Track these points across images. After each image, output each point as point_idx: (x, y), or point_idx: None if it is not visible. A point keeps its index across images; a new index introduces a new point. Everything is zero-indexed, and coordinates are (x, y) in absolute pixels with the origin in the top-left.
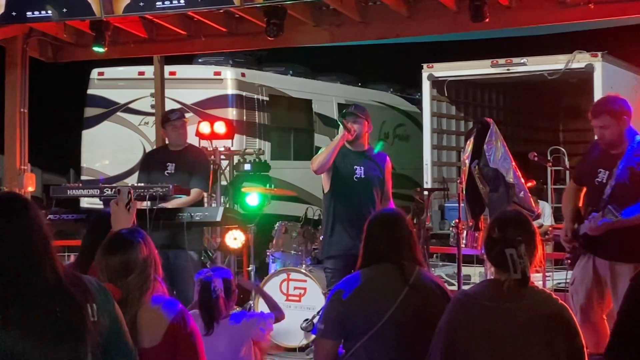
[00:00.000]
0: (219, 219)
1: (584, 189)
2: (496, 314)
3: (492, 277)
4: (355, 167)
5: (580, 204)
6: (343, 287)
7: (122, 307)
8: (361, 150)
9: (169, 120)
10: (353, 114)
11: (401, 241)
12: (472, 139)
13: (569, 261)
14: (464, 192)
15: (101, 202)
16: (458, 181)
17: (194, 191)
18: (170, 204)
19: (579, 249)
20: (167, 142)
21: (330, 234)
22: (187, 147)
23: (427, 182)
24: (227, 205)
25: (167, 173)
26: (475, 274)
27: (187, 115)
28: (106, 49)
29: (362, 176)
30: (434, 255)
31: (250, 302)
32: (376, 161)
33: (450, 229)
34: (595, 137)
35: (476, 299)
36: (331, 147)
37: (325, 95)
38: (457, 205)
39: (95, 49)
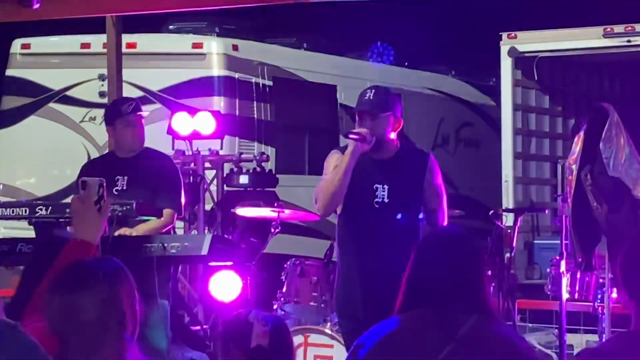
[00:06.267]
0: (204, 252)
1: None
2: None
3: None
4: (375, 185)
5: None
6: (364, 341)
7: None
8: (388, 157)
9: (120, 113)
10: (365, 111)
11: (461, 277)
12: (581, 133)
13: None
14: (571, 212)
15: (32, 228)
16: (560, 199)
17: (166, 212)
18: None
19: None
20: (112, 147)
21: (340, 283)
22: (142, 153)
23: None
24: (217, 233)
25: (117, 191)
26: (582, 343)
27: (153, 107)
28: (37, 6)
29: (387, 200)
30: (520, 314)
31: None
32: (414, 167)
33: (549, 270)
34: None
35: None
36: (340, 170)
37: (355, 79)
38: (559, 241)
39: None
